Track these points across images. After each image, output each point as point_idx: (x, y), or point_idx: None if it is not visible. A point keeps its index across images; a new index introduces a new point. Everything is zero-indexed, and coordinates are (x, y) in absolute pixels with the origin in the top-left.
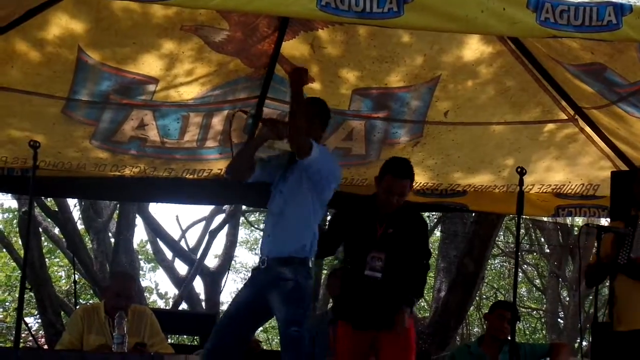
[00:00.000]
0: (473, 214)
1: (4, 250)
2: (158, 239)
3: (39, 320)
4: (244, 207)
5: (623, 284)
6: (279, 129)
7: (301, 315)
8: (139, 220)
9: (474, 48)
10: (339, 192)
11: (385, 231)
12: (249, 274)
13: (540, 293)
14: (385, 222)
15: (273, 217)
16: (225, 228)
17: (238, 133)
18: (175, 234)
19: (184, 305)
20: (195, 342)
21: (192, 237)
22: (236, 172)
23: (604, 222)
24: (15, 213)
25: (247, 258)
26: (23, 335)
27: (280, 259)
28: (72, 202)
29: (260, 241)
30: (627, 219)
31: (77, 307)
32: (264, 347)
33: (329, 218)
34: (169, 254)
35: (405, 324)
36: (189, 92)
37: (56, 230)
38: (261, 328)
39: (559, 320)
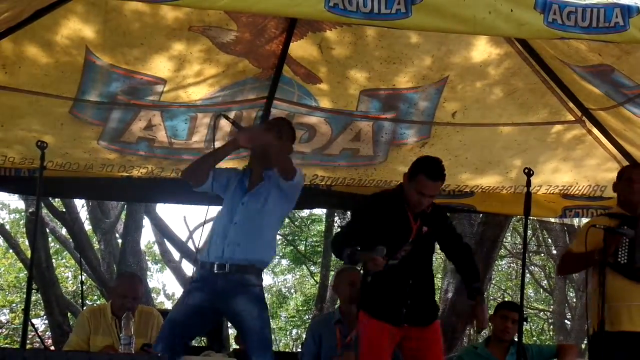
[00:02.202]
0: (480, 215)
1: (11, 251)
2: (165, 240)
3: (46, 322)
4: None
5: (617, 283)
6: (254, 138)
7: (269, 319)
8: (146, 221)
9: (481, 49)
10: (346, 193)
11: (420, 230)
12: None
13: (547, 294)
14: (419, 221)
15: (234, 226)
16: None
17: None
18: (182, 234)
19: None
20: (202, 343)
21: (199, 238)
22: (196, 176)
23: None
24: (23, 214)
25: None
26: (30, 336)
27: (246, 266)
28: (79, 203)
29: (216, 249)
30: (624, 218)
31: (84, 308)
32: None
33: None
34: (176, 255)
35: (486, 315)
36: (197, 93)
37: (63, 231)
38: None
39: (566, 321)
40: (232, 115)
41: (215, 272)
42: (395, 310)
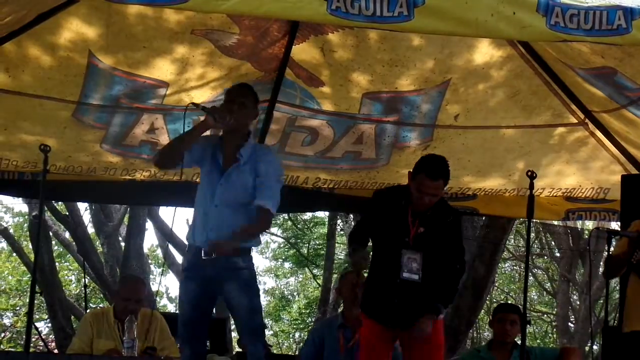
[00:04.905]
0: (483, 218)
1: (15, 254)
2: (168, 243)
3: (49, 325)
4: None
5: (633, 284)
6: (222, 117)
7: (260, 303)
8: (149, 225)
9: (484, 52)
10: (348, 196)
11: (417, 230)
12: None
13: (550, 297)
14: (417, 221)
15: (216, 209)
16: None
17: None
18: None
19: None
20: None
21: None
22: (168, 161)
23: (615, 225)
24: (26, 217)
25: (257, 261)
26: (33, 339)
27: (225, 251)
28: (82, 206)
29: (201, 233)
30: None
31: (87, 311)
32: (274, 352)
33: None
34: (179, 258)
35: (426, 332)
36: (200, 96)
37: (66, 235)
38: (271, 332)
39: (569, 324)
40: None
41: (203, 257)
42: (383, 310)
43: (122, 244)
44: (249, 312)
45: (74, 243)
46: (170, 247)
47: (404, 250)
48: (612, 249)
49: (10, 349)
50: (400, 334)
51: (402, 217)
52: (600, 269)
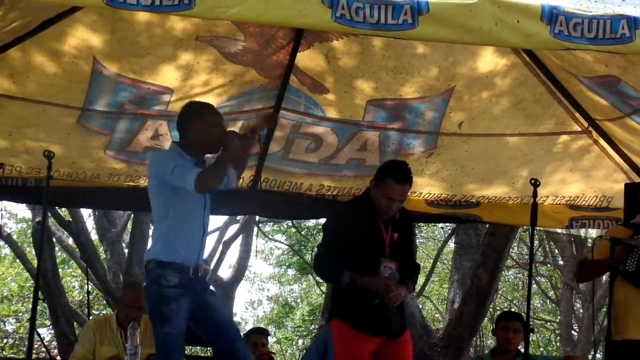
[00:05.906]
0: (487, 226)
1: (18, 260)
2: None
3: (52, 331)
4: (257, 217)
5: (625, 291)
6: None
7: None
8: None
9: (488, 60)
10: None
11: (392, 237)
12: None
13: (554, 305)
14: (390, 227)
15: (205, 233)
16: (239, 238)
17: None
18: None
19: None
20: (209, 353)
21: (205, 248)
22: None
23: None
24: (29, 223)
25: (261, 268)
26: (36, 346)
27: (206, 269)
28: (86, 212)
29: (192, 254)
30: (634, 226)
31: (90, 317)
32: (277, 359)
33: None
34: None
35: (402, 296)
36: None
37: (70, 241)
38: (274, 339)
39: (572, 332)
40: (239, 124)
41: (192, 276)
42: (378, 320)
43: (126, 250)
44: (234, 324)
45: (77, 249)
46: None
47: (381, 257)
48: (594, 252)
49: (12, 356)
50: (385, 342)
51: (374, 228)
52: (604, 277)
